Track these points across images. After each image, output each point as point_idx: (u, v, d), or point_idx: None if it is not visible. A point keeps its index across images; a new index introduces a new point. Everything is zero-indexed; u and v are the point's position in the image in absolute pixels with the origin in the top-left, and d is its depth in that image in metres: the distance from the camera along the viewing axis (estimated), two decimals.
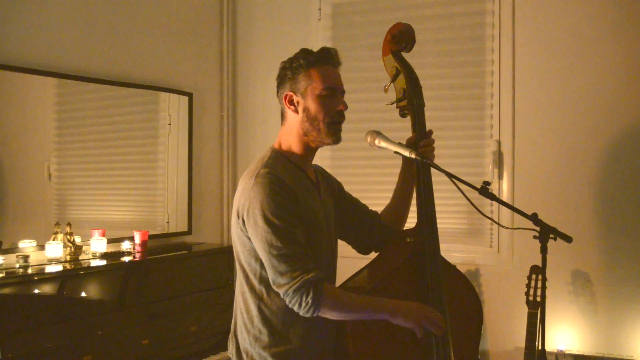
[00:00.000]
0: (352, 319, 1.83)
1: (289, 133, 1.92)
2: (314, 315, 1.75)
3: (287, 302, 1.76)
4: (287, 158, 1.91)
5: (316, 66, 1.88)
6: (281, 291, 1.75)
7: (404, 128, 2.16)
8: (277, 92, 1.96)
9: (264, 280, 1.82)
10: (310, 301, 1.71)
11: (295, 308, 1.75)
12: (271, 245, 1.74)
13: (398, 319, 1.79)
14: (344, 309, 1.79)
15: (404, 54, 2.15)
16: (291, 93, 1.89)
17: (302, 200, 1.83)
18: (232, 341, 1.95)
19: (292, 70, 1.90)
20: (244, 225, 1.81)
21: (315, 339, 1.88)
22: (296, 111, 1.89)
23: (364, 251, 2.16)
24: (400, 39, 2.10)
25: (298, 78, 1.88)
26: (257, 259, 1.82)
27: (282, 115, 1.95)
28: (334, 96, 1.88)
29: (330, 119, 1.87)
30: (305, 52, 1.91)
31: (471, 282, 2.22)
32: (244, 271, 1.87)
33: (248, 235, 1.81)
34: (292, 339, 1.84)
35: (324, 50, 1.91)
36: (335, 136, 1.89)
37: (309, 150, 1.93)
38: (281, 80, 1.94)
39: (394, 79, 2.12)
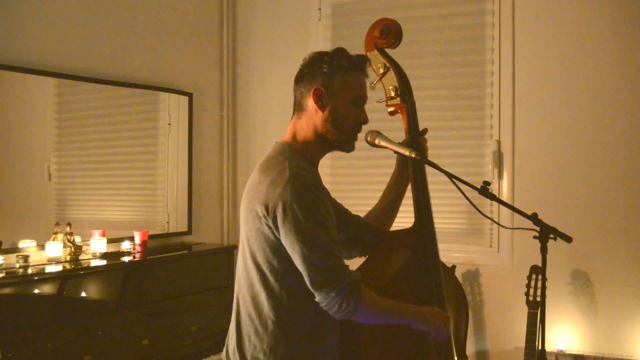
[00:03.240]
0: (378, 323, 1.80)
1: (306, 128, 1.83)
2: (348, 318, 1.68)
3: (323, 304, 1.65)
4: (302, 154, 1.81)
5: (355, 72, 1.83)
6: (322, 291, 1.64)
7: (400, 128, 2.14)
8: (302, 81, 1.84)
9: (285, 283, 1.71)
10: (352, 303, 1.64)
11: (333, 310, 1.65)
12: (313, 242, 1.64)
13: (419, 324, 1.79)
14: (378, 313, 1.75)
15: (389, 50, 2.11)
16: (322, 88, 1.80)
17: (326, 198, 1.78)
18: (235, 350, 1.78)
19: (330, 66, 1.80)
20: (274, 222, 1.67)
21: (331, 346, 1.81)
22: (321, 109, 1.80)
23: (349, 256, 2.09)
24: (389, 35, 2.05)
25: (335, 77, 1.80)
26: (282, 259, 1.70)
27: (300, 106, 1.84)
28: (361, 106, 1.85)
29: (352, 128, 1.84)
30: (347, 55, 1.84)
31: (463, 283, 2.22)
32: (261, 272, 1.73)
33: (276, 233, 1.69)
34: (310, 347, 1.75)
35: (364, 59, 1.87)
36: (351, 144, 1.86)
37: (325, 148, 1.86)
38: (313, 71, 1.82)
39: (382, 76, 2.07)
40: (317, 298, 1.66)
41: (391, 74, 2.07)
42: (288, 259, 1.69)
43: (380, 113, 2.18)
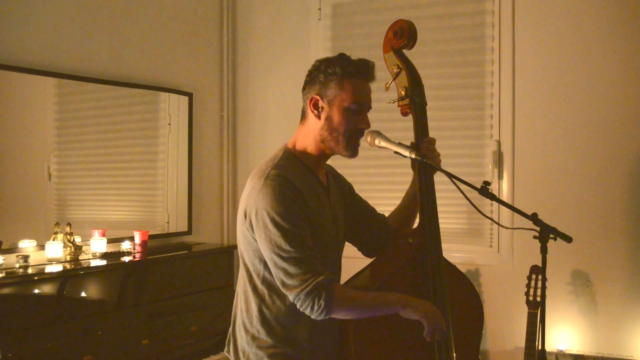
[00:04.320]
0: (363, 317, 1.81)
1: (306, 135, 1.88)
2: (326, 317, 1.73)
3: (298, 306, 1.72)
4: (299, 159, 1.87)
5: (351, 78, 1.82)
6: (292, 294, 1.72)
7: (405, 128, 2.15)
8: (303, 89, 1.89)
9: (266, 282, 1.81)
10: (323, 304, 1.69)
11: (307, 311, 1.72)
12: (281, 248, 1.71)
13: (408, 310, 1.79)
14: (356, 308, 1.77)
15: (405, 51, 2.14)
16: (318, 97, 1.84)
17: (310, 204, 1.81)
18: (230, 340, 1.93)
19: (325, 74, 1.83)
20: (250, 226, 1.78)
21: (317, 344, 1.86)
22: (318, 117, 1.84)
23: (370, 254, 2.14)
24: (402, 36, 2.07)
25: (329, 84, 1.82)
26: (262, 260, 1.79)
27: (303, 114, 1.90)
28: (360, 112, 1.85)
29: (351, 134, 1.85)
30: (344, 61, 1.84)
31: (472, 283, 2.21)
32: (247, 270, 1.85)
33: (254, 236, 1.79)
34: (291, 342, 1.83)
35: (363, 64, 1.86)
36: (353, 150, 1.87)
37: (324, 155, 1.91)
38: (311, 80, 1.87)
39: (395, 77, 2.09)
40: (291, 299, 1.74)
41: (403, 75, 2.08)
42: (265, 260, 1.79)
43: (391, 113, 2.19)
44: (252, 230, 1.78)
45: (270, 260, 1.75)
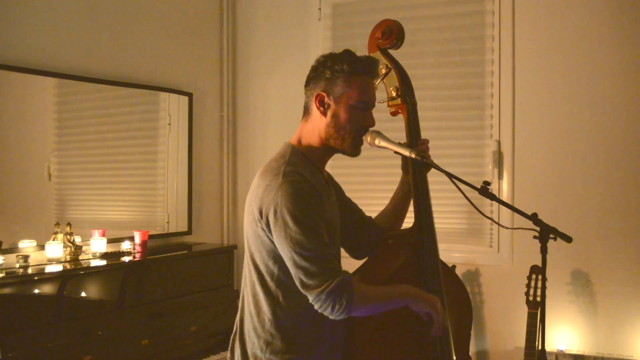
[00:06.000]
0: (377, 312, 1.80)
1: (311, 132, 1.85)
2: (346, 316, 1.70)
3: (317, 307, 1.68)
4: (305, 157, 1.84)
5: (359, 75, 1.81)
6: (313, 293, 1.67)
7: (403, 128, 2.14)
8: (307, 84, 1.86)
9: (280, 283, 1.76)
10: (344, 302, 1.65)
11: (327, 312, 1.68)
12: (302, 246, 1.67)
13: (420, 302, 1.80)
14: (373, 304, 1.76)
15: (391, 51, 2.12)
16: (324, 94, 1.81)
17: (324, 201, 1.79)
18: (237, 346, 1.86)
19: (332, 71, 1.80)
20: (267, 225, 1.73)
21: (328, 345, 1.84)
22: (324, 114, 1.81)
23: (358, 256, 2.11)
24: (391, 36, 2.06)
25: (336, 82, 1.80)
26: (277, 260, 1.75)
27: (307, 110, 1.87)
28: (366, 110, 1.84)
29: (357, 133, 1.84)
30: (351, 58, 1.82)
31: (464, 282, 2.22)
32: (258, 272, 1.79)
33: (270, 236, 1.73)
34: (305, 345, 1.79)
35: (370, 62, 1.85)
36: (357, 149, 1.86)
37: (328, 153, 1.89)
38: (317, 76, 1.83)
39: (384, 76, 2.08)
40: (310, 300, 1.69)
41: (392, 75, 2.07)
42: (282, 261, 1.73)
43: (382, 113, 2.19)
44: (269, 229, 1.73)
45: (289, 260, 1.70)
